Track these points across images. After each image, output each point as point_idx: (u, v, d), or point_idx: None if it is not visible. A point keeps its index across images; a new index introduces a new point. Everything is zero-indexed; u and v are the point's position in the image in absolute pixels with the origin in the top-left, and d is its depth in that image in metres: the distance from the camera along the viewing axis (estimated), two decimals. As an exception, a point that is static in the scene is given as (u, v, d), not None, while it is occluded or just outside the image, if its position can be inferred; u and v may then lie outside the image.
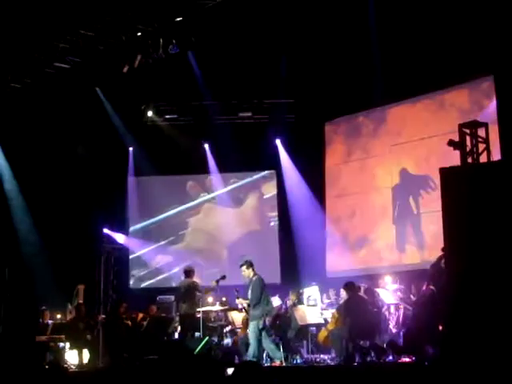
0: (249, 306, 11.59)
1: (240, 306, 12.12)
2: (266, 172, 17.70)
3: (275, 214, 17.59)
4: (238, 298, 11.91)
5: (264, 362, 11.59)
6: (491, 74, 13.40)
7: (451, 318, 8.49)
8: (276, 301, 13.19)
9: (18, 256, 15.33)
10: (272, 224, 17.62)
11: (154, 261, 17.81)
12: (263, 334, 11.39)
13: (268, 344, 11.49)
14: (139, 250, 17.85)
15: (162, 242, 17.85)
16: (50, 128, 16.31)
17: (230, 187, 17.81)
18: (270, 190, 17.70)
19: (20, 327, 13.01)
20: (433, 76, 13.90)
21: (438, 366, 8.96)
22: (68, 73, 14.35)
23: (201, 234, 17.75)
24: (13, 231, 15.99)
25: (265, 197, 17.77)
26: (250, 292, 11.52)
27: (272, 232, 17.52)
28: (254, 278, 11.55)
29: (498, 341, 7.72)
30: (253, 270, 11.63)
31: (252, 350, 11.31)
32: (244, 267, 11.63)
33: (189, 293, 12.91)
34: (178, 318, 13.43)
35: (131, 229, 17.91)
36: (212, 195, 17.88)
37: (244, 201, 17.81)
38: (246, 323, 12.35)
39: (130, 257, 17.77)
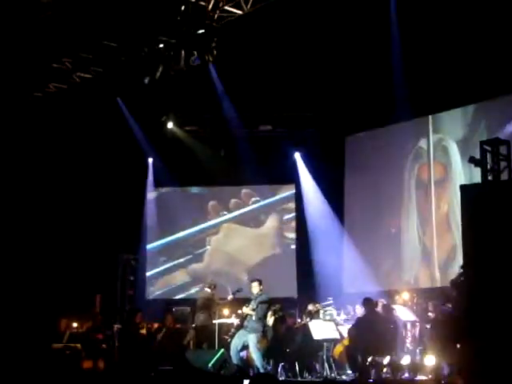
0: (245, 318, 11.81)
1: (240, 312, 12.23)
2: (288, 193, 17.57)
3: (295, 235, 17.47)
4: (247, 306, 11.96)
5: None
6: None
7: (469, 335, 8.41)
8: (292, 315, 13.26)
9: (35, 264, 15.40)
10: (292, 247, 17.44)
11: (171, 278, 17.67)
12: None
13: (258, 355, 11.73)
14: (155, 267, 17.76)
15: (181, 260, 17.66)
16: (70, 138, 16.41)
17: (250, 207, 17.69)
18: (291, 211, 17.58)
19: (37, 335, 13.06)
20: (456, 91, 13.84)
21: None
22: (91, 83, 14.45)
23: (220, 255, 17.60)
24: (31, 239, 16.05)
25: (285, 218, 17.62)
26: (254, 306, 11.77)
27: (292, 253, 17.37)
28: (262, 295, 11.93)
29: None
30: (261, 288, 12.01)
31: (259, 362, 11.57)
32: (256, 283, 12.06)
33: (205, 305, 12.98)
34: (193, 330, 13.45)
35: (148, 246, 17.71)
36: (232, 214, 17.74)
37: (264, 222, 17.68)
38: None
39: (147, 273, 17.68)
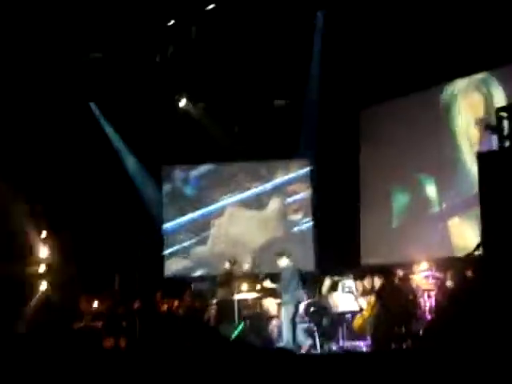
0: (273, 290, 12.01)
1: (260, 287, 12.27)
2: (299, 172, 17.36)
3: (300, 217, 17.27)
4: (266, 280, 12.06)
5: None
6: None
7: (486, 306, 8.36)
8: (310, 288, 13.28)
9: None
10: (295, 229, 17.25)
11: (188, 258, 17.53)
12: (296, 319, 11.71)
13: (299, 330, 11.71)
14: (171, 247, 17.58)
15: (185, 244, 17.45)
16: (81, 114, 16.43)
17: (254, 190, 17.44)
18: (297, 192, 17.35)
19: (57, 314, 13.17)
20: (471, 58, 13.69)
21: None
22: (101, 62, 14.48)
23: (223, 238, 17.29)
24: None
25: (289, 200, 17.41)
26: (282, 278, 11.88)
27: (297, 235, 17.17)
28: (289, 266, 12.01)
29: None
30: (290, 260, 12.18)
31: (286, 335, 11.52)
32: (284, 256, 12.22)
33: (226, 280, 13.07)
34: (214, 306, 13.53)
35: (164, 226, 17.44)
36: (235, 198, 17.47)
37: (268, 204, 17.41)
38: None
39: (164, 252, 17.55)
